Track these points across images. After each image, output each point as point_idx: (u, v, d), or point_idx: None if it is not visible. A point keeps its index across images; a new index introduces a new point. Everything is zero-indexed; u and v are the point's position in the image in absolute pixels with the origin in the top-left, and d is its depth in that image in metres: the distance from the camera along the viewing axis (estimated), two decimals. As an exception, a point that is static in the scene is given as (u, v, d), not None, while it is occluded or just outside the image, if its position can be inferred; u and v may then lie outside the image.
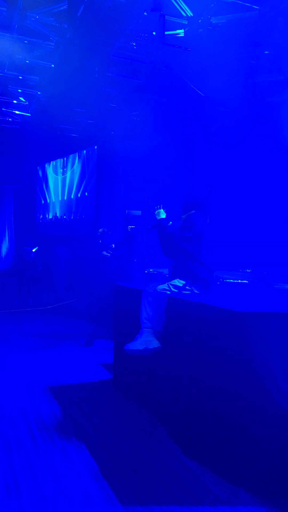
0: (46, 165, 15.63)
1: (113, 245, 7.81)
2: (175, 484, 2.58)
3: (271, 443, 2.46)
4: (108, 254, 7.76)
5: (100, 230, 8.14)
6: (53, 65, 8.36)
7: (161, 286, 3.39)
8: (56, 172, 15.07)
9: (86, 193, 13.17)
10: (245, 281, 4.98)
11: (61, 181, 14.74)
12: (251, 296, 4.25)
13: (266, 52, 7.14)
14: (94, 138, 12.25)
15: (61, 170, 14.73)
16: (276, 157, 7.42)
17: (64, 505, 2.32)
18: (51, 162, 15.27)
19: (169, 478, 2.64)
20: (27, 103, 10.70)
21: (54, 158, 14.94)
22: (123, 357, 3.95)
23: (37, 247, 9.93)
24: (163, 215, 3.77)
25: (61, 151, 14.00)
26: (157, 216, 3.79)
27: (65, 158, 14.43)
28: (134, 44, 7.60)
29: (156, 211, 3.81)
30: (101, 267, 7.89)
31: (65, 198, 14.42)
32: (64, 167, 14.55)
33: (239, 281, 4.93)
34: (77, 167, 13.77)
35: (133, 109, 10.17)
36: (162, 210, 3.82)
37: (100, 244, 7.90)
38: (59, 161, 14.81)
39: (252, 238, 7.82)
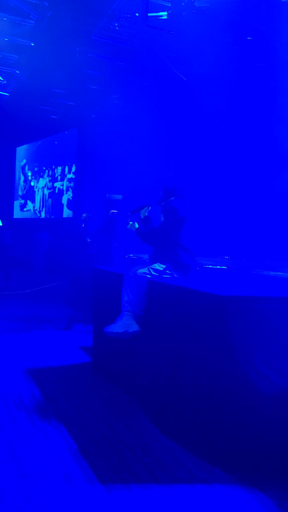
0: (25, 147, 15.35)
1: (89, 239, 7.82)
2: (153, 463, 2.64)
3: (247, 424, 2.54)
4: (88, 240, 7.76)
5: (84, 215, 8.11)
6: (33, 44, 8.18)
7: (141, 270, 3.42)
8: (36, 155, 14.83)
9: (67, 176, 13.02)
10: (224, 267, 5.05)
11: (41, 163, 14.52)
12: (231, 281, 4.32)
13: (249, 38, 7.14)
14: (74, 120, 12.07)
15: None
16: (257, 143, 7.48)
17: (43, 484, 2.35)
18: (31, 143, 15.00)
19: (148, 457, 2.70)
20: (5, 82, 10.46)
21: (34, 140, 14.67)
22: (102, 340, 3.98)
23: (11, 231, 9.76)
24: (146, 213, 3.84)
25: (40, 133, 13.76)
26: (142, 214, 3.86)
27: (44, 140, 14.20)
28: (116, 25, 7.49)
29: (143, 210, 3.87)
30: (81, 251, 7.87)
31: (45, 181, 14.23)
32: (44, 149, 14.32)
33: (218, 267, 4.99)
34: (57, 149, 13.57)
35: (115, 91, 10.05)
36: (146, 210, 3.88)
37: (82, 229, 7.88)
38: (39, 144, 14.56)
39: (231, 225, 7.90)
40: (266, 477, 2.51)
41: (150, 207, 3.91)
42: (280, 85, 6.98)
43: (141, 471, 2.54)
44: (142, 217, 3.87)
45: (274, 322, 2.55)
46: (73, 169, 12.71)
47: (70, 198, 12.80)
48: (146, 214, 3.89)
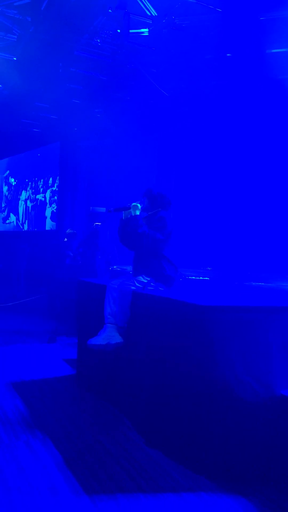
0: (7, 160, 15.31)
1: (71, 253, 7.91)
2: (138, 473, 2.65)
3: (230, 431, 2.58)
4: (70, 254, 7.86)
5: (69, 230, 8.24)
6: (15, 58, 8.23)
7: (125, 282, 3.46)
8: (19, 168, 14.80)
9: (50, 189, 13.02)
10: (206, 278, 5.13)
11: (24, 176, 14.49)
12: (213, 292, 4.39)
13: (228, 54, 7.33)
14: (57, 134, 12.12)
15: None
16: (237, 155, 7.65)
17: (29, 496, 2.35)
18: (14, 156, 14.97)
19: (133, 468, 2.72)
20: (-13, 95, 10.45)
21: (16, 153, 14.65)
22: (86, 353, 3.99)
23: None
24: (138, 211, 3.69)
25: (22, 146, 13.76)
26: (133, 210, 3.69)
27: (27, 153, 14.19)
28: (98, 41, 7.61)
29: (133, 204, 3.71)
30: (61, 264, 7.90)
31: (28, 193, 14.19)
32: (27, 162, 14.31)
33: (201, 278, 5.07)
34: (40, 162, 13.58)
35: (97, 105, 10.16)
36: (139, 205, 3.74)
37: (64, 242, 7.94)
38: (22, 156, 14.55)
39: (213, 236, 8.01)
40: (250, 485, 2.56)
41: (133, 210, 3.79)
42: (259, 100, 7.19)
43: (126, 481, 2.56)
44: (123, 218, 3.76)
45: (255, 331, 2.62)
46: (57, 181, 12.73)
47: (54, 211, 12.79)
48: (129, 216, 3.73)
